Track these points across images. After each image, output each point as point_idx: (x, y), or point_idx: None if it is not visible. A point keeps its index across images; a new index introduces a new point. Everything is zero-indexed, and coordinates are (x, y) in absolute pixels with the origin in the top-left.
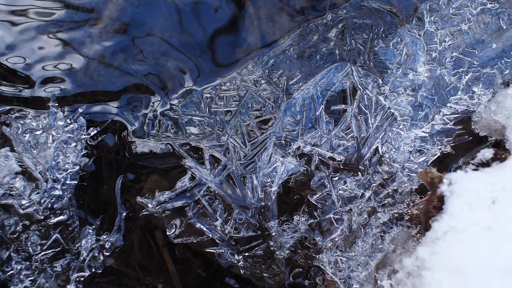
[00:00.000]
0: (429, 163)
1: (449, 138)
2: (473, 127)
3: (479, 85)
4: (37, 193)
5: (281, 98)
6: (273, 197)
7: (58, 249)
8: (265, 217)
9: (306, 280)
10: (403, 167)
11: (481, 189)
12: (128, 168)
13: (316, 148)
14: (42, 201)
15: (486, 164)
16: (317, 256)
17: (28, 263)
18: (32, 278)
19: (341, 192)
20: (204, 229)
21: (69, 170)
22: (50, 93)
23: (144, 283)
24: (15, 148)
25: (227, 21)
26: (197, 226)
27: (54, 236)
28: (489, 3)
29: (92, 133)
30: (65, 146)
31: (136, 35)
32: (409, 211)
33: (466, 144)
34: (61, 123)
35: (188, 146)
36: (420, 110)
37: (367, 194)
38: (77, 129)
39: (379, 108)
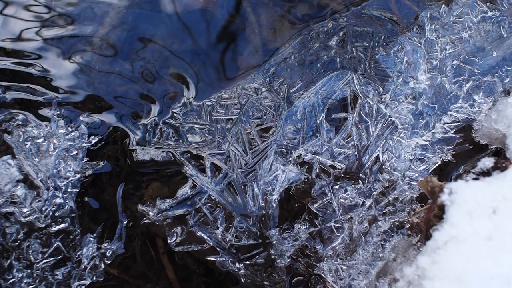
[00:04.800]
0: (429, 171)
1: (450, 147)
2: (473, 135)
3: (480, 94)
4: (38, 201)
5: (282, 106)
6: (274, 205)
7: (59, 257)
8: (266, 226)
9: None
10: (404, 175)
11: (481, 199)
12: (129, 176)
13: (317, 156)
14: (43, 209)
15: (486, 173)
16: (317, 265)
17: (29, 271)
18: (33, 286)
19: (341, 200)
20: (205, 237)
21: (70, 178)
22: (51, 101)
23: None
24: (17, 156)
25: (228, 28)
26: (198, 234)
27: (55, 244)
28: (490, 11)
29: (94, 141)
30: (66, 154)
31: (137, 42)
32: (409, 220)
33: (467, 153)
34: (62, 131)
35: (189, 154)
36: (420, 118)
37: (368, 202)
38: (79, 137)
39: (380, 116)
